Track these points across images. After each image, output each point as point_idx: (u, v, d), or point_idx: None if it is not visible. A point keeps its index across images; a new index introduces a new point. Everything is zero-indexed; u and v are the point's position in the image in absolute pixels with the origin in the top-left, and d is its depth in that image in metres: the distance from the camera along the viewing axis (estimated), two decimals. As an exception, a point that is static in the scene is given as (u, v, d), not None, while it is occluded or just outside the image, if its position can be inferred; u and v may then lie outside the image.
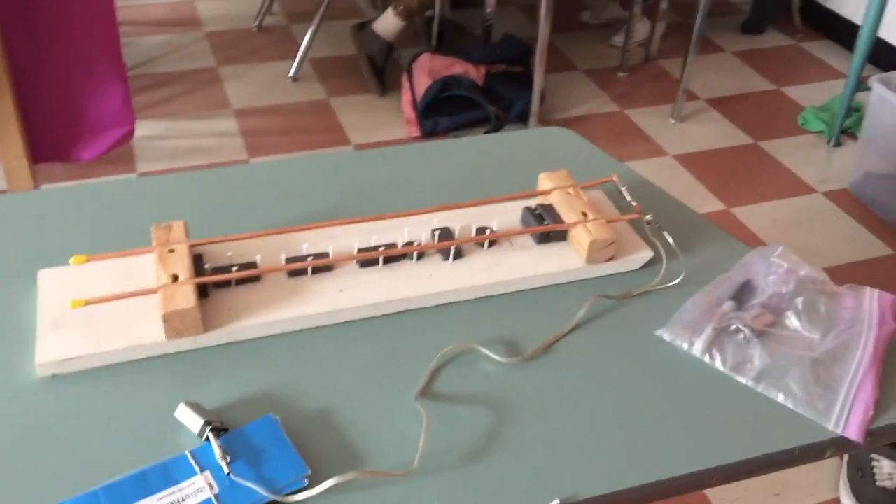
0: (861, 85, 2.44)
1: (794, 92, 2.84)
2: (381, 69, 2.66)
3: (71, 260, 0.80)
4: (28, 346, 0.77)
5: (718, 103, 2.75)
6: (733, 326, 0.83)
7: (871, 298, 0.87)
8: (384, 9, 2.64)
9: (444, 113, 2.48)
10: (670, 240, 0.93)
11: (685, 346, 0.82)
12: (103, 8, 1.59)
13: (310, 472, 0.67)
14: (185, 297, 0.77)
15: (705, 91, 2.81)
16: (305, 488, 0.66)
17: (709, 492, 1.50)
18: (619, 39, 3.03)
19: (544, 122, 2.56)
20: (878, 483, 1.46)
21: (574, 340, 0.83)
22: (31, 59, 1.64)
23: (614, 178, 0.99)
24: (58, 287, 0.82)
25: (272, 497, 0.65)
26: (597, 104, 2.71)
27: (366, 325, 0.83)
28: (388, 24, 2.62)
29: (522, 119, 2.53)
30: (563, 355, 0.82)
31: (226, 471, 0.66)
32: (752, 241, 2.13)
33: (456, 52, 2.63)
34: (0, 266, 0.87)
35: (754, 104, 2.76)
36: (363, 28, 2.66)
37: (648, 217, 0.93)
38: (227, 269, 0.83)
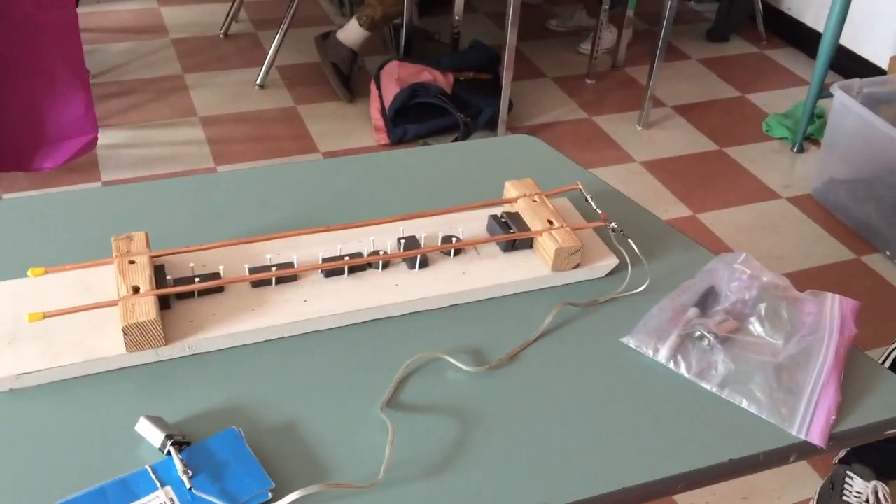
0: (823, 92, 2.48)
1: (759, 99, 2.88)
2: (346, 76, 2.65)
3: (28, 272, 0.78)
4: (-16, 360, 0.75)
5: (684, 110, 2.78)
6: (697, 333, 0.84)
7: (832, 304, 0.88)
8: (350, 17, 2.64)
9: (412, 120, 2.48)
10: (635, 247, 0.93)
11: (650, 352, 0.83)
12: (65, 15, 1.57)
13: (273, 485, 0.66)
14: (146, 308, 0.75)
15: (671, 98, 2.84)
16: (269, 501, 0.65)
17: (678, 496, 1.51)
18: (586, 47, 3.05)
19: (513, 129, 2.57)
20: (844, 498, 1.48)
21: (541, 348, 0.83)
22: (-10, 67, 1.61)
23: (580, 186, 0.99)
24: (14, 300, 0.80)
25: (235, 512, 0.64)
26: (565, 111, 2.73)
27: (331, 335, 0.83)
28: (352, 33, 2.61)
29: (491, 126, 2.53)
30: (529, 363, 0.81)
31: (188, 485, 0.65)
32: (718, 246, 2.16)
33: (424, 59, 2.63)
34: (-45, 279, 0.85)
35: (719, 111, 2.80)
36: (327, 37, 2.65)
37: (613, 224, 0.93)
38: (189, 281, 0.82)
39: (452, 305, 0.87)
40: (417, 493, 0.68)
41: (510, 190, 0.98)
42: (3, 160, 1.74)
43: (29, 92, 1.64)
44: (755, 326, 0.85)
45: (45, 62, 1.61)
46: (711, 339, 0.83)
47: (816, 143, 2.62)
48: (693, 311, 0.86)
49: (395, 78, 2.52)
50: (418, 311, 0.86)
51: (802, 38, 3.20)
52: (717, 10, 3.29)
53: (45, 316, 0.74)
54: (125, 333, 0.74)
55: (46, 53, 1.60)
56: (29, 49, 1.60)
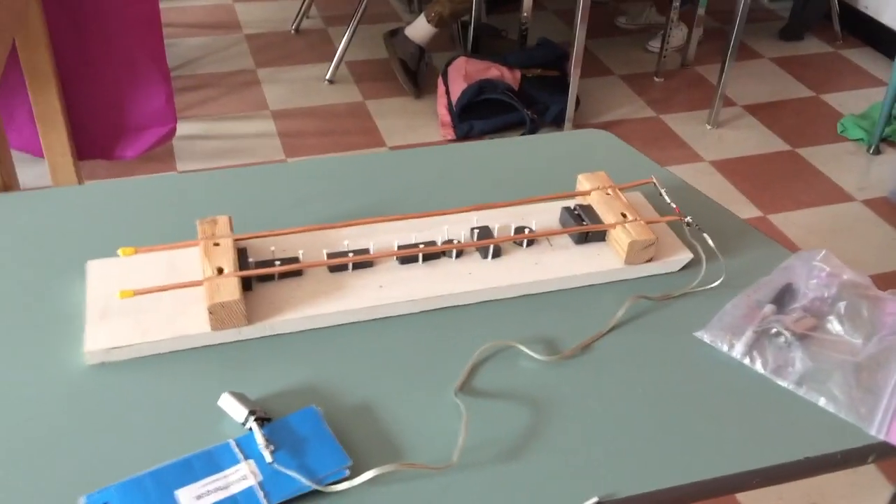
0: (902, 92, 2.41)
1: (834, 99, 2.81)
2: (414, 72, 2.68)
3: (119, 251, 0.82)
4: (77, 334, 0.79)
5: (756, 109, 2.73)
6: (774, 329, 0.83)
7: (915, 304, 0.85)
8: (419, 14, 2.66)
9: (479, 116, 2.49)
10: (710, 242, 0.92)
11: (725, 347, 0.82)
12: (148, 9, 1.62)
13: (351, 462, 0.68)
14: (230, 289, 0.78)
15: (742, 97, 2.79)
16: (346, 478, 0.67)
17: (745, 498, 1.48)
18: (655, 45, 3.02)
19: (579, 126, 2.56)
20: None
21: (613, 340, 0.83)
22: (77, 58, 1.67)
23: (653, 180, 0.99)
24: (106, 278, 0.83)
25: (314, 486, 0.65)
26: (632, 109, 2.71)
27: (405, 320, 0.84)
28: (419, 30, 2.64)
29: (557, 123, 2.53)
30: (601, 355, 0.82)
31: (269, 459, 0.67)
32: (789, 248, 2.11)
33: (492, 55, 2.64)
34: (49, 257, 0.89)
35: (792, 111, 2.74)
36: (395, 34, 2.68)
37: (689, 219, 0.93)
38: (270, 264, 0.84)
39: (524, 295, 0.88)
40: (489, 477, 0.69)
41: (583, 183, 0.98)
42: (86, 148, 1.80)
43: (113, 83, 1.71)
44: (834, 325, 0.84)
45: (128, 54, 1.67)
46: (788, 335, 0.82)
47: (894, 145, 2.55)
48: (769, 308, 0.85)
49: (462, 74, 2.53)
50: (491, 300, 0.87)
51: (880, 38, 3.10)
52: (791, 9, 3.21)
53: (136, 293, 0.77)
54: (210, 312, 0.77)
55: (130, 46, 1.66)
56: (114, 42, 1.65)
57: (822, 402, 0.77)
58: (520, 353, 0.81)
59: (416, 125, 2.55)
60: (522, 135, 2.46)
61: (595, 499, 0.68)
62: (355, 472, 0.67)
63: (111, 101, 1.73)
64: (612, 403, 0.77)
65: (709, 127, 2.62)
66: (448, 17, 2.62)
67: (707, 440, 0.74)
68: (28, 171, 1.60)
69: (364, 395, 0.76)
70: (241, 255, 0.84)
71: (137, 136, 1.76)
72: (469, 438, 0.72)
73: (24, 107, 1.69)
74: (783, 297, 0.87)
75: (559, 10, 3.30)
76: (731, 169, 2.43)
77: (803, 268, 0.89)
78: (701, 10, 2.86)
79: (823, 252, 0.90)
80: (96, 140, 1.77)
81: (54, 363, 0.77)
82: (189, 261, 0.86)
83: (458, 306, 0.86)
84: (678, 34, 2.97)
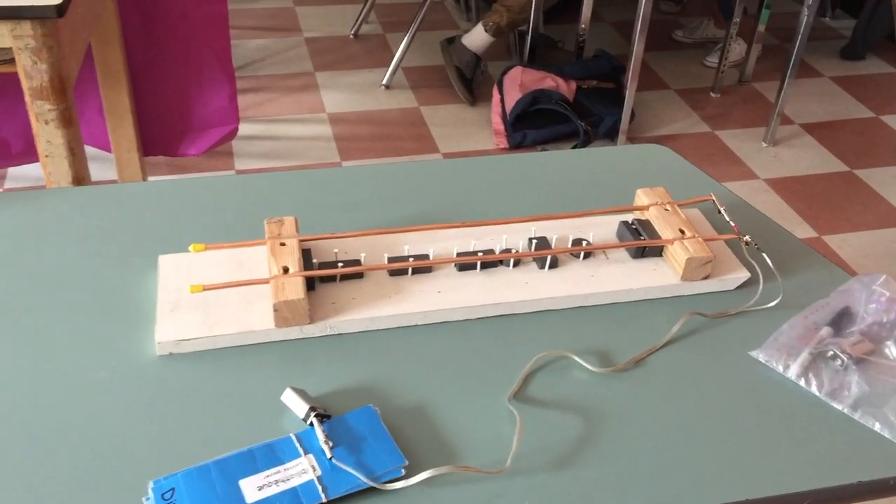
0: (968, 116, 2.36)
1: (894, 121, 2.76)
2: (469, 80, 2.70)
3: (190, 247, 0.85)
4: (148, 326, 0.82)
5: (814, 129, 2.70)
6: (830, 352, 0.83)
7: (976, 333, 0.85)
8: (476, 23, 2.68)
9: (532, 126, 2.50)
10: (769, 261, 0.92)
11: (780, 368, 0.82)
12: (218, 10, 1.67)
13: (407, 462, 0.70)
14: (295, 288, 0.80)
15: (800, 116, 2.75)
16: (402, 478, 0.69)
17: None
18: (712, 60, 3.00)
19: (633, 139, 2.56)
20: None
21: (667, 355, 0.84)
22: (146, 57, 1.73)
23: (713, 197, 0.99)
24: (176, 272, 0.87)
25: (371, 484, 0.67)
26: (687, 124, 2.69)
27: (462, 326, 0.86)
28: (476, 38, 2.66)
29: (611, 136, 2.53)
30: (655, 369, 0.82)
31: (328, 455, 0.69)
32: (843, 270, 2.08)
33: (548, 66, 2.65)
34: (120, 249, 0.93)
35: (851, 131, 2.70)
36: (452, 42, 2.71)
37: (747, 238, 0.93)
38: (333, 265, 0.87)
39: (580, 307, 0.89)
40: (541, 484, 0.70)
41: (641, 197, 0.99)
42: (151, 145, 1.86)
43: (179, 81, 1.76)
44: (892, 350, 0.84)
45: (196, 54, 1.72)
46: (845, 359, 0.82)
47: (956, 169, 2.50)
48: (826, 331, 0.85)
49: (518, 83, 2.55)
50: (546, 310, 0.88)
51: (946, 60, 3.04)
52: (854, 28, 3.17)
53: (205, 288, 0.80)
54: (275, 310, 0.79)
55: (199, 46, 1.71)
56: (183, 41, 1.71)
57: (877, 426, 0.77)
58: (573, 363, 0.82)
59: (469, 133, 2.57)
60: (575, 146, 2.47)
61: (645, 511, 0.68)
62: (410, 472, 0.69)
63: (178, 100, 1.78)
64: (665, 418, 0.77)
65: (765, 145, 2.60)
66: (505, 26, 2.64)
67: (759, 459, 0.74)
68: (92, 166, 1.65)
69: (419, 398, 0.77)
70: (306, 256, 0.86)
71: (201, 135, 1.81)
72: (522, 445, 0.73)
73: (94, 103, 1.75)
74: (841, 320, 0.87)
75: (616, 23, 3.29)
76: (786, 188, 2.41)
77: (862, 291, 0.89)
78: (761, 27, 2.83)
79: (884, 277, 0.89)
80: (161, 137, 1.83)
81: (125, 352, 0.80)
82: (255, 259, 0.88)
83: (514, 315, 0.88)
84: (736, 49, 2.94)
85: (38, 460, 0.70)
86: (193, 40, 1.71)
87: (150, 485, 0.67)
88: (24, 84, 1.18)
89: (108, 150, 1.79)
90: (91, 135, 1.81)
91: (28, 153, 1.70)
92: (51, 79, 1.17)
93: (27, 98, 1.19)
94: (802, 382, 0.81)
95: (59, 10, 1.11)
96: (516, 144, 2.50)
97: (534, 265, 0.92)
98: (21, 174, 2.16)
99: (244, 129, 2.48)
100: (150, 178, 2.02)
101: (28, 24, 1.12)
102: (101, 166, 2.00)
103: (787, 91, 2.50)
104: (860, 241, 2.22)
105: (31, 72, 1.16)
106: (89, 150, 1.84)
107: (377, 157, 2.42)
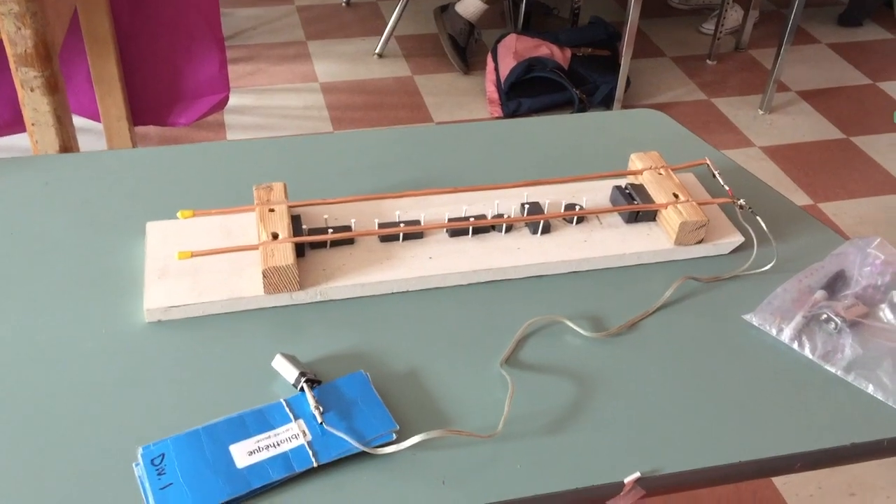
0: (965, 82, 2.34)
1: (891, 87, 2.74)
2: (462, 48, 2.67)
3: (178, 214, 0.84)
4: (136, 293, 0.81)
5: (810, 96, 2.68)
6: (824, 315, 0.82)
7: (971, 295, 0.84)
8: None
9: (527, 94, 2.48)
10: (763, 225, 0.92)
11: (774, 331, 0.82)
12: (206, -24, 1.64)
13: (398, 427, 0.69)
14: (284, 254, 0.80)
15: (797, 83, 2.73)
16: (393, 442, 0.68)
17: (783, 487, 1.48)
18: (709, 27, 2.97)
19: (629, 107, 2.54)
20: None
21: (660, 320, 0.83)
22: (134, 25, 1.70)
23: (707, 161, 0.98)
24: (164, 239, 0.86)
25: (362, 448, 0.67)
26: (683, 91, 2.67)
27: (453, 292, 0.85)
28: (470, 6, 2.63)
29: (606, 103, 2.51)
30: (648, 333, 0.82)
31: (319, 420, 0.69)
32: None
33: (542, 33, 2.62)
34: (108, 217, 0.92)
35: (848, 98, 2.68)
36: (446, 9, 2.67)
37: (741, 201, 0.92)
38: (323, 231, 0.86)
39: (572, 272, 0.88)
40: (533, 448, 0.70)
41: (635, 162, 0.98)
42: (141, 115, 1.83)
43: (168, 49, 1.73)
44: (886, 313, 0.83)
45: (184, 20, 1.69)
46: (839, 322, 0.81)
47: (953, 136, 2.48)
48: (821, 294, 0.84)
49: (512, 51, 2.52)
50: (539, 276, 0.88)
51: (944, 25, 3.01)
52: (852, -7, 3.14)
53: (193, 255, 0.80)
54: (264, 276, 0.79)
55: (186, 11, 1.68)
56: (170, 7, 1.68)
57: (870, 389, 0.76)
58: (566, 328, 0.82)
59: (463, 101, 2.55)
60: (571, 114, 2.45)
61: (637, 474, 0.68)
62: (401, 437, 0.69)
63: (167, 68, 1.75)
64: (657, 382, 0.77)
65: (761, 112, 2.58)
66: None
67: (752, 422, 0.74)
68: (82, 137, 1.63)
69: (411, 363, 0.77)
70: (295, 222, 0.85)
71: (191, 104, 1.79)
72: (514, 410, 0.73)
73: (82, 72, 1.73)
74: (835, 284, 0.86)
75: (612, -10, 3.26)
76: (782, 155, 2.40)
77: (857, 255, 0.88)
78: (758, -7, 2.80)
79: (878, 240, 0.89)
80: (151, 106, 1.80)
81: (114, 320, 0.79)
82: (244, 225, 0.87)
83: (507, 280, 0.87)
84: (733, 16, 2.91)
85: (27, 428, 0.69)
86: (182, 7, 1.69)
87: (140, 451, 0.66)
88: (9, 50, 1.16)
89: (98, 120, 1.77)
90: (80, 104, 1.79)
91: (16, 123, 1.67)
92: (35, 45, 1.15)
93: (12, 65, 1.17)
94: (796, 345, 0.80)
95: (43, -25, 1.09)
96: (511, 113, 2.48)
97: (526, 230, 0.91)
98: (10, 144, 2.14)
99: (236, 99, 2.46)
100: (143, 147, 2.00)
101: (11, -12, 1.10)
102: (90, 137, 1.98)
103: (783, 58, 2.48)
104: (856, 208, 2.21)
105: (16, 38, 1.14)
106: (79, 120, 1.82)
107: (370, 126, 2.40)
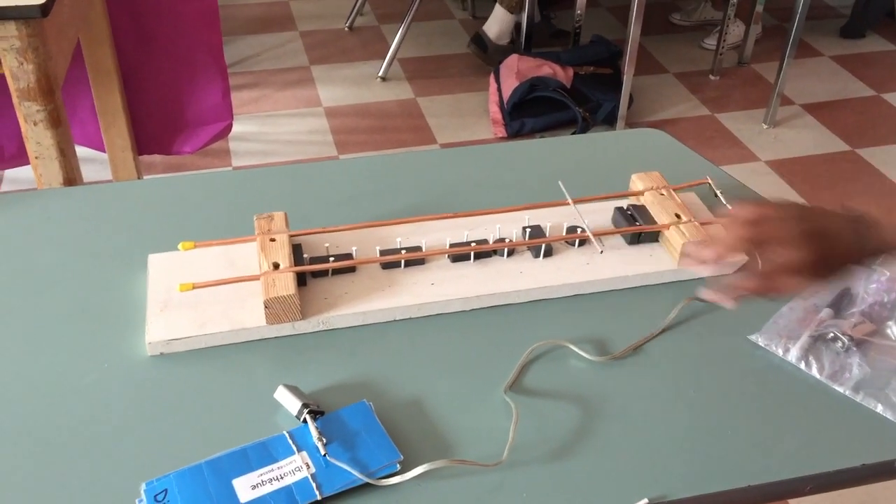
0: (969, 92, 2.33)
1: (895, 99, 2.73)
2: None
3: (179, 246, 0.84)
4: (138, 325, 0.81)
5: (814, 109, 2.67)
6: (831, 334, 0.82)
7: (979, 311, 0.83)
8: (470, 11, 2.66)
9: (530, 114, 2.48)
10: (766, 244, 0.91)
11: (780, 351, 0.81)
12: (207, 5, 1.65)
13: (402, 457, 0.69)
14: (286, 284, 0.79)
15: (801, 96, 2.73)
16: (397, 473, 0.68)
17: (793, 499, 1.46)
18: (711, 42, 2.98)
19: (632, 124, 2.54)
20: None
21: (665, 342, 0.83)
22: (137, 55, 1.71)
23: (709, 180, 0.98)
24: (166, 271, 0.86)
25: (366, 479, 0.67)
26: (686, 107, 2.67)
27: (456, 318, 0.85)
28: (500, 22, 2.64)
29: (610, 121, 2.51)
30: (653, 356, 0.81)
31: (322, 452, 0.68)
32: (847, 251, 2.06)
33: (544, 53, 2.63)
34: (111, 249, 0.92)
35: (853, 111, 2.67)
36: (480, 43, 2.68)
37: (744, 220, 0.91)
38: (324, 260, 0.85)
39: (576, 295, 0.88)
40: (539, 475, 0.69)
41: (636, 183, 0.98)
42: (145, 144, 1.84)
43: (171, 78, 1.74)
44: (893, 331, 0.82)
45: (186, 50, 1.70)
46: (846, 340, 0.80)
47: (959, 146, 2.47)
48: (826, 312, 0.84)
49: (514, 71, 2.53)
50: (542, 300, 0.87)
51: (947, 35, 3.01)
52: (853, 6, 3.13)
53: (195, 287, 0.79)
54: (266, 306, 0.78)
55: (188, 41, 1.69)
56: (174, 38, 1.69)
57: (879, 408, 0.75)
58: (570, 352, 0.81)
59: (467, 123, 2.55)
60: (574, 133, 2.45)
61: (645, 500, 0.67)
62: (406, 467, 0.68)
63: (170, 97, 1.76)
64: (664, 405, 0.76)
65: (765, 126, 2.57)
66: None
67: (760, 445, 0.73)
68: (87, 167, 1.64)
69: (414, 391, 0.76)
70: (297, 251, 0.85)
71: (195, 132, 1.80)
72: (519, 437, 0.72)
73: (86, 103, 1.74)
74: (841, 302, 0.85)
75: (612, 7, 3.27)
76: (787, 169, 2.39)
77: (862, 272, 0.88)
78: (759, 7, 2.80)
79: (883, 256, 0.88)
80: (155, 135, 1.81)
81: (116, 353, 0.79)
82: (245, 255, 0.87)
83: (509, 305, 0.86)
84: (735, 31, 2.92)
85: (30, 462, 0.69)
86: (184, 36, 1.70)
87: (143, 487, 0.66)
88: (11, 85, 1.16)
89: (103, 150, 1.78)
90: (85, 135, 1.80)
91: (22, 155, 1.68)
92: (38, 79, 1.16)
93: (14, 99, 1.18)
94: (803, 365, 0.80)
95: (44, 10, 1.10)
96: (514, 133, 2.48)
97: (528, 254, 0.91)
98: (15, 177, 2.15)
99: (240, 125, 2.47)
100: (147, 177, 2.01)
101: (12, 24, 1.11)
102: (96, 168, 1.99)
103: (786, 71, 2.48)
104: (863, 220, 2.20)
105: (18, 73, 1.15)
106: (85, 151, 1.83)
107: (375, 149, 2.41)
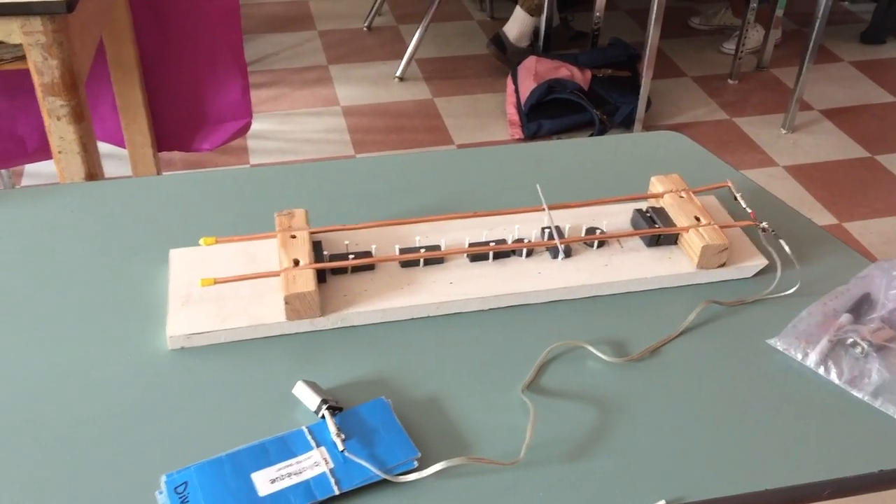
0: None
1: (916, 105, 2.72)
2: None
3: (200, 241, 0.85)
4: (159, 319, 0.82)
5: (833, 114, 2.66)
6: (850, 339, 0.81)
7: None
8: (489, 12, 2.66)
9: (547, 116, 2.49)
10: (787, 248, 0.91)
11: (799, 356, 0.81)
12: (228, 2, 1.67)
13: (420, 454, 0.69)
14: (306, 280, 0.80)
15: (820, 101, 2.72)
16: (415, 470, 0.68)
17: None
18: (730, 46, 2.97)
19: (649, 127, 2.53)
20: None
21: (683, 344, 0.83)
22: (158, 52, 1.73)
23: (729, 184, 0.98)
24: (187, 266, 0.86)
25: (383, 476, 0.67)
26: (704, 111, 2.66)
27: (474, 317, 0.85)
28: (521, 24, 2.64)
29: (627, 124, 2.50)
30: (671, 358, 0.81)
31: (340, 448, 0.68)
32: (865, 257, 2.05)
33: (562, 55, 2.63)
34: (133, 244, 0.93)
35: (872, 116, 2.66)
36: (500, 44, 2.68)
37: (764, 224, 0.91)
38: (344, 257, 0.86)
39: (594, 296, 0.88)
40: (556, 475, 0.70)
41: (656, 185, 0.97)
42: (165, 140, 1.86)
43: (192, 76, 1.75)
44: (913, 337, 0.82)
45: (207, 47, 1.71)
46: (865, 346, 0.80)
47: (980, 153, 2.45)
48: (846, 318, 0.83)
49: (532, 73, 2.53)
50: (560, 300, 0.87)
51: (969, 42, 2.99)
52: (874, 11, 3.12)
53: (216, 282, 0.80)
54: (286, 302, 0.79)
55: (209, 39, 1.71)
56: (195, 35, 1.70)
57: (899, 415, 0.75)
58: (588, 353, 0.81)
59: (484, 124, 2.56)
60: (591, 135, 2.45)
61: (662, 502, 0.67)
62: (423, 464, 0.68)
63: (190, 94, 1.78)
64: (681, 408, 0.76)
65: (784, 131, 2.56)
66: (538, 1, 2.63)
67: (777, 449, 0.73)
68: (107, 163, 1.65)
69: (432, 389, 0.77)
70: (317, 248, 0.86)
71: (215, 129, 1.81)
72: (536, 436, 0.72)
73: (107, 99, 1.76)
74: (861, 307, 0.85)
75: (631, 10, 3.26)
76: (805, 175, 2.38)
77: (882, 277, 0.87)
78: (779, 12, 2.80)
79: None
80: (175, 132, 1.83)
81: (137, 347, 0.80)
82: (266, 252, 0.88)
83: (528, 305, 0.87)
84: (754, 36, 2.91)
85: (51, 455, 0.70)
86: (205, 34, 1.71)
87: (163, 479, 0.67)
88: (36, 80, 1.18)
89: (123, 147, 1.80)
90: (105, 131, 1.81)
91: (44, 150, 1.70)
92: (62, 74, 1.17)
93: (38, 94, 1.19)
94: (822, 370, 0.79)
95: (69, 6, 1.11)
96: (532, 135, 2.48)
97: (547, 255, 0.91)
98: (38, 171, 2.17)
99: (259, 123, 2.48)
100: (167, 173, 2.02)
101: (38, 19, 1.12)
102: (116, 163, 2.01)
103: (806, 76, 2.47)
104: (882, 227, 2.19)
105: (42, 68, 1.16)
106: (104, 146, 1.85)
107: (392, 149, 2.41)
